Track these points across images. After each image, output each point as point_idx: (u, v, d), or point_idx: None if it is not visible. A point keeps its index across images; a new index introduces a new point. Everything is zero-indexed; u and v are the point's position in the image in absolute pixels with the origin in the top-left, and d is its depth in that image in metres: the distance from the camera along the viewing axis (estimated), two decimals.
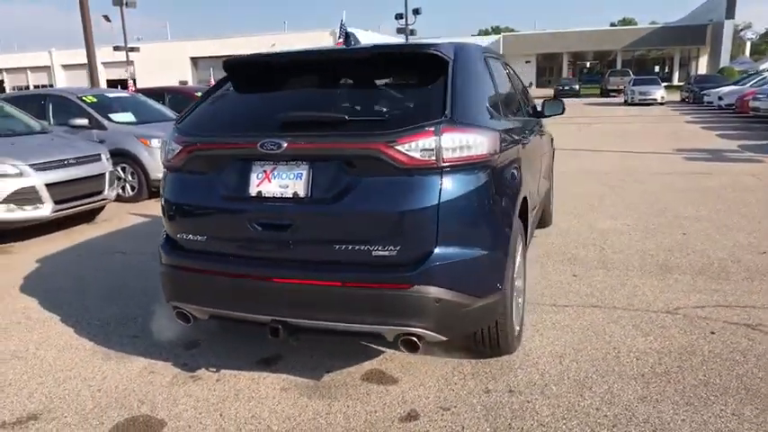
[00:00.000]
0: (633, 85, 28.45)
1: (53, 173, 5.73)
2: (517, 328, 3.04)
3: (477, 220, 2.48)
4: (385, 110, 2.58)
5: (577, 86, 38.35)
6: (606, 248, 4.91)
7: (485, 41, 48.19)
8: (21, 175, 5.49)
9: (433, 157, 2.34)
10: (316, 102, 2.74)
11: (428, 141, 2.33)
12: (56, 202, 5.71)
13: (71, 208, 5.96)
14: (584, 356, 3.00)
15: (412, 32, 29.89)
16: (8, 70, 53.12)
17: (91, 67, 15.72)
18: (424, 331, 2.41)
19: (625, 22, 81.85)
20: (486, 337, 2.82)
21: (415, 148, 2.32)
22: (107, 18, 38.24)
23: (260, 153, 2.47)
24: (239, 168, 2.58)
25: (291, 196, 2.47)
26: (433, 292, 2.35)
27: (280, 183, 2.50)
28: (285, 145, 2.42)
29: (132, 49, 36.40)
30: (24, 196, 5.48)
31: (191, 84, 46.76)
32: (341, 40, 8.35)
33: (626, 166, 9.35)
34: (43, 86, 47.90)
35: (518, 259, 3.01)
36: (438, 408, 2.59)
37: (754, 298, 3.70)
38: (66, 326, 3.65)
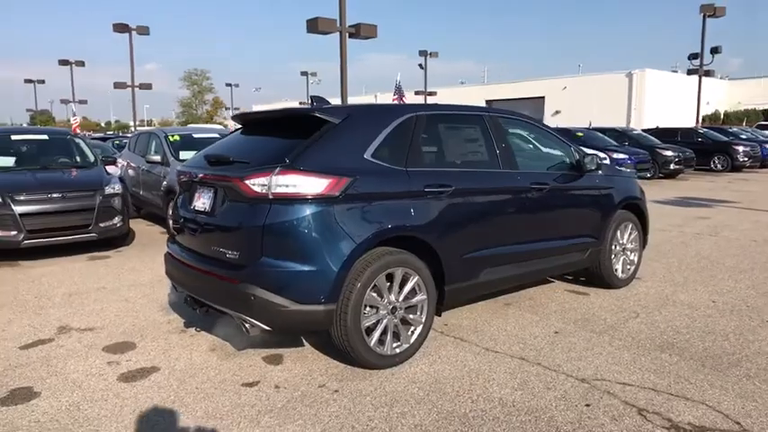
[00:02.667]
0: None
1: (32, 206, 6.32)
2: None
3: (298, 242, 3.20)
4: (260, 154, 3.50)
5: None
6: None
7: None
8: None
9: (266, 191, 3.19)
10: (234, 147, 3.82)
11: (264, 179, 3.21)
12: (29, 231, 6.28)
13: (45, 239, 6.43)
14: None
15: (707, 73, 26.64)
16: None
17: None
18: (248, 319, 3.25)
19: None
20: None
21: (256, 183, 3.23)
22: (421, 66, 43.77)
23: (195, 180, 3.70)
24: (193, 189, 3.84)
25: (203, 210, 3.62)
26: (251, 289, 3.20)
27: (202, 200, 3.67)
28: (201, 175, 3.59)
29: (430, 93, 41.31)
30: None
31: None
32: (395, 96, 8.71)
33: None
34: None
35: (394, 289, 3.50)
36: (284, 385, 3.35)
37: None
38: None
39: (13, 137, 7.71)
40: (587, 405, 3.09)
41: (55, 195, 6.47)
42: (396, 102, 7.28)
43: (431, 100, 41.78)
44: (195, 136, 9.28)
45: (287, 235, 3.22)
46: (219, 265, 3.42)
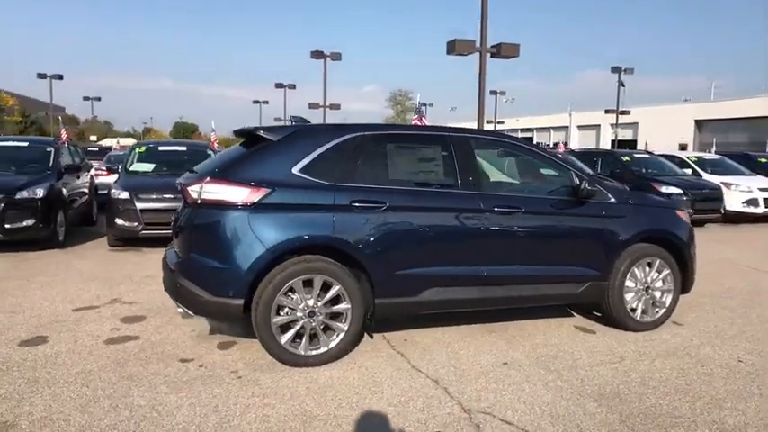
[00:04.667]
0: None
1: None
2: None
3: (215, 242, 3.70)
4: (215, 166, 4.05)
5: None
6: None
7: None
8: None
9: (197, 197, 3.77)
10: (216, 160, 4.41)
11: (197, 187, 3.79)
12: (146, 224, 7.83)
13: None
14: None
15: None
16: (538, 129, 63.87)
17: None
18: (180, 304, 3.85)
19: None
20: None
21: (192, 190, 3.82)
22: (622, 83, 41.09)
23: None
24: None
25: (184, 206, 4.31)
26: (180, 279, 3.79)
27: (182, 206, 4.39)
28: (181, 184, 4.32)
29: (623, 112, 38.25)
30: None
31: (690, 148, 44.71)
32: (416, 117, 7.82)
33: None
34: (565, 144, 55.69)
35: (314, 294, 3.79)
36: (207, 366, 3.89)
37: None
38: None
39: (160, 148, 9.54)
40: (479, 427, 3.05)
41: (167, 196, 7.88)
42: (415, 122, 7.26)
43: (622, 119, 38.73)
44: None
45: (207, 235, 3.75)
46: (173, 260, 4.08)
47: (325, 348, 3.88)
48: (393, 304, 4.05)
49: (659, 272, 4.80)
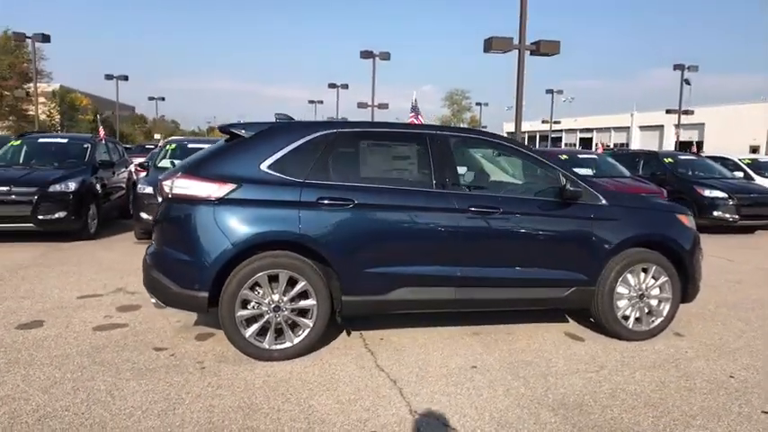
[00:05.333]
0: None
1: None
2: None
3: (182, 235, 3.80)
4: (191, 161, 4.15)
5: None
6: None
7: None
8: None
9: (168, 191, 3.89)
10: (192, 157, 4.51)
11: (170, 181, 3.90)
12: None
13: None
14: None
15: None
16: (597, 129, 61.69)
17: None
18: (152, 295, 3.98)
19: None
20: None
21: (165, 184, 3.94)
22: (687, 81, 39.20)
23: None
24: None
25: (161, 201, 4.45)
26: (152, 270, 3.92)
27: None
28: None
29: (686, 112, 36.37)
30: None
31: (762, 151, 41.90)
32: (412, 115, 7.36)
33: None
34: (621, 145, 53.61)
35: (279, 289, 3.82)
36: (178, 356, 4.01)
37: None
38: None
39: (189, 145, 9.86)
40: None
41: None
42: (412, 120, 7.10)
43: (686, 120, 36.82)
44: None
45: (177, 229, 3.86)
46: (149, 252, 4.22)
47: (290, 343, 3.91)
48: (361, 302, 4.03)
49: (656, 279, 4.54)
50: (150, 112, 79.21)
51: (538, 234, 4.28)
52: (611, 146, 53.29)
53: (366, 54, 31.85)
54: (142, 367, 3.75)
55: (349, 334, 4.50)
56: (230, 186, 3.79)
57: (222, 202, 3.78)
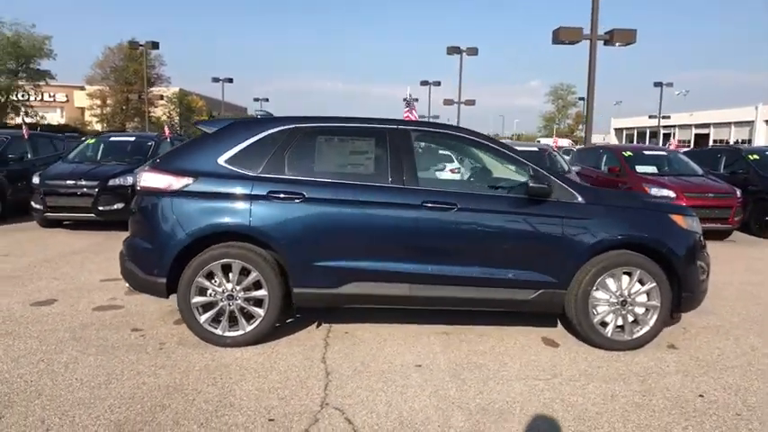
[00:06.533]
0: None
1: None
2: None
3: (145, 223, 4.07)
4: (164, 157, 4.42)
5: None
6: None
7: None
8: None
9: (137, 184, 4.19)
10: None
11: (139, 174, 4.21)
12: None
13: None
14: None
15: None
16: (715, 125, 56.37)
17: None
18: (125, 280, 4.31)
19: None
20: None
21: (137, 177, 4.25)
22: None
23: None
24: None
25: None
26: (123, 257, 4.25)
27: None
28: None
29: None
30: None
31: None
32: (407, 110, 6.49)
33: None
34: (742, 142, 48.67)
35: (233, 278, 4.00)
36: (148, 336, 4.32)
37: None
38: None
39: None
40: (271, 420, 3.06)
41: None
42: (406, 115, 6.69)
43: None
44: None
45: (142, 218, 4.14)
46: None
47: (243, 331, 4.06)
48: (311, 294, 4.09)
49: (642, 284, 4.16)
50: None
51: (498, 232, 4.09)
52: (735, 141, 48.45)
53: (453, 50, 31.56)
54: (109, 345, 4.09)
55: (319, 325, 4.59)
56: (187, 179, 4.02)
57: (179, 194, 4.01)
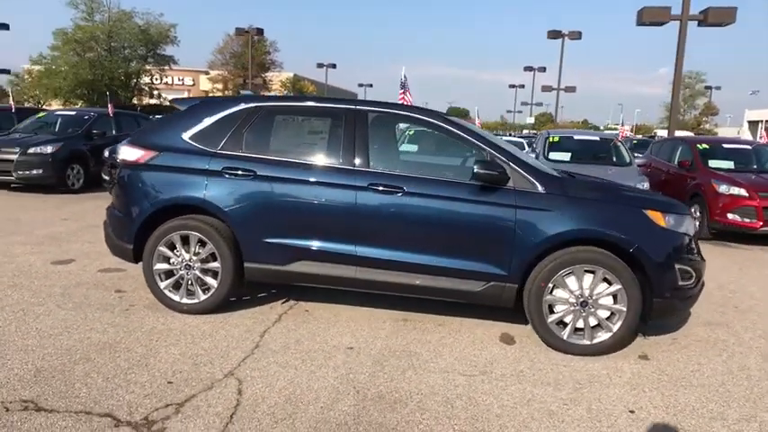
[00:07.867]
0: None
1: None
2: None
3: (121, 195, 4.39)
4: (139, 133, 4.70)
5: None
6: None
7: None
8: None
9: (117, 156, 4.53)
10: None
11: (119, 148, 4.54)
12: None
13: None
14: None
15: None
16: None
17: None
18: (107, 245, 4.68)
19: None
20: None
21: (121, 151, 4.58)
22: None
23: None
24: None
25: None
26: (106, 224, 4.62)
27: None
28: None
29: None
30: None
31: None
32: (402, 92, 5.43)
33: None
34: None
35: (191, 249, 4.21)
36: (127, 299, 4.68)
37: None
38: None
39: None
40: (169, 383, 3.20)
41: None
42: (402, 98, 6.12)
43: None
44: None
45: (118, 189, 4.47)
46: None
47: (197, 300, 4.26)
48: (261, 270, 4.19)
49: (608, 285, 3.81)
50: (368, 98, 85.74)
51: (446, 218, 3.91)
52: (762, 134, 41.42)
53: (554, 34, 30.01)
54: (86, 302, 4.48)
55: (285, 302, 4.70)
56: (153, 153, 4.27)
57: (146, 167, 4.27)
